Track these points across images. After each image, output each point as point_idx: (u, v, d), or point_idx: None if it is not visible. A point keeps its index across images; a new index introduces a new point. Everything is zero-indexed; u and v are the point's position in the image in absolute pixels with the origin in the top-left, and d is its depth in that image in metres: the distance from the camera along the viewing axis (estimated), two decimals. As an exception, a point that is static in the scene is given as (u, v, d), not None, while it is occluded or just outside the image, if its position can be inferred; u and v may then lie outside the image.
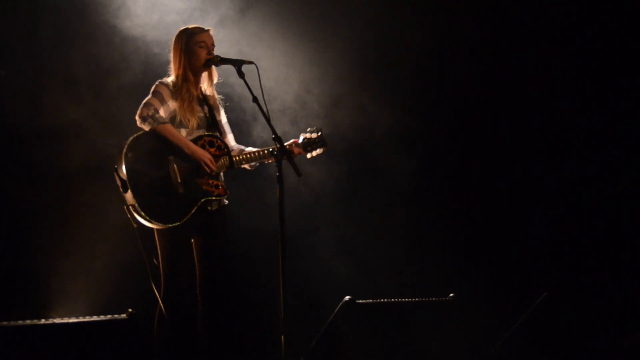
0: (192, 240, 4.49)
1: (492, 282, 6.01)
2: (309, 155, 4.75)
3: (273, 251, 4.26)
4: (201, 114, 4.53)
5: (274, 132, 4.17)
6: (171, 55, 4.56)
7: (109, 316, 3.49)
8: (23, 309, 5.07)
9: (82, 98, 5.57)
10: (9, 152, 5.41)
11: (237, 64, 4.32)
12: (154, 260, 4.41)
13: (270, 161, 4.59)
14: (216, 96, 4.70)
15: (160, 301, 4.31)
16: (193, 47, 4.49)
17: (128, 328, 3.47)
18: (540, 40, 6.19)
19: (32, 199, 5.43)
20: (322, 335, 4.33)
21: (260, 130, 5.82)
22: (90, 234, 5.53)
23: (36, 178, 5.46)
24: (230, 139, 4.75)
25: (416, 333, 4.50)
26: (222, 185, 4.48)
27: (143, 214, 4.22)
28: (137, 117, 4.39)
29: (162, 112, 4.43)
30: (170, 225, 4.29)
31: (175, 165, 4.37)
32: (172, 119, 4.47)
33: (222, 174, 4.56)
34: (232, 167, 4.51)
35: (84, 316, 3.48)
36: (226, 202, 4.57)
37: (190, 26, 4.58)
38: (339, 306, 4.23)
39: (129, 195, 4.24)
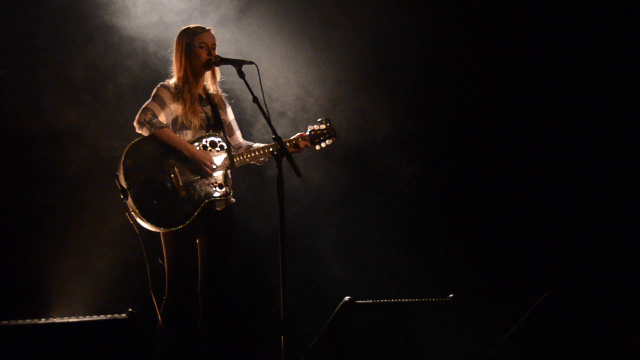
0: (198, 240, 4.50)
1: (492, 282, 6.02)
2: (317, 147, 4.73)
3: (273, 251, 4.26)
4: (204, 114, 4.53)
5: (274, 132, 4.17)
6: (173, 57, 4.56)
7: (109, 316, 3.49)
8: (24, 309, 5.09)
9: (82, 100, 5.57)
10: (10, 154, 5.41)
11: (238, 64, 4.32)
12: (159, 260, 4.43)
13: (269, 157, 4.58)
14: (220, 94, 4.70)
15: (155, 303, 4.32)
16: (193, 48, 4.49)
17: (128, 328, 3.47)
18: (541, 43, 6.20)
19: (33, 201, 5.44)
20: (322, 336, 4.33)
21: (259, 131, 5.82)
22: (91, 235, 5.53)
23: (37, 180, 5.46)
24: (238, 136, 4.74)
25: (416, 333, 4.49)
26: (225, 185, 4.48)
27: (145, 219, 4.23)
28: (135, 124, 4.41)
29: (162, 116, 4.44)
30: (173, 228, 4.30)
31: (176, 169, 4.37)
32: (174, 121, 4.48)
33: (228, 173, 4.56)
34: (233, 166, 4.51)
35: (84, 316, 3.47)
36: (233, 200, 4.57)
37: (191, 26, 4.57)
38: (338, 306, 4.23)
39: (129, 202, 4.25)
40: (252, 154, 4.53)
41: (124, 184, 4.25)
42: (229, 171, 4.56)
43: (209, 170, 4.39)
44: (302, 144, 4.64)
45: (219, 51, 4.55)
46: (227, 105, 4.73)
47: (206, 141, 4.48)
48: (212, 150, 4.48)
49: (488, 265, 6.13)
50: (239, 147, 4.72)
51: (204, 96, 4.59)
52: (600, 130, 6.15)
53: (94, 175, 5.49)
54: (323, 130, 4.72)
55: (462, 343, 4.60)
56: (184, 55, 4.50)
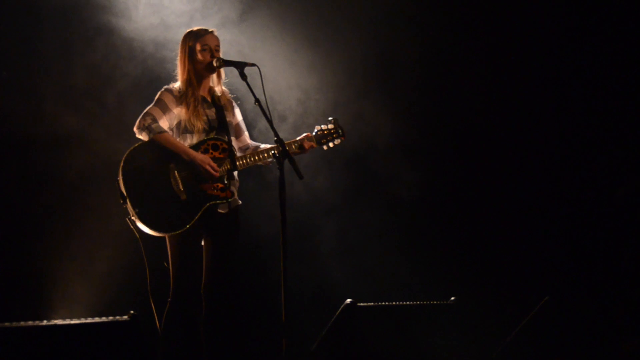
0: (203, 242, 4.51)
1: (493, 285, 6.01)
2: (325, 147, 4.69)
3: (275, 254, 4.26)
4: (207, 117, 4.51)
5: (276, 134, 4.16)
6: (177, 60, 4.57)
7: (110, 318, 3.50)
8: (27, 311, 5.09)
9: (84, 103, 5.57)
10: (12, 156, 5.42)
11: (240, 66, 4.31)
12: (165, 263, 4.44)
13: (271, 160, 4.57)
14: (228, 96, 4.69)
15: (153, 307, 4.33)
16: (196, 51, 4.49)
17: (130, 330, 3.48)
18: (544, 49, 6.20)
19: (36, 203, 5.45)
20: (323, 338, 4.33)
21: (261, 132, 5.82)
22: (93, 238, 5.54)
23: (39, 182, 5.47)
24: (246, 138, 4.73)
25: (417, 336, 4.49)
26: (227, 188, 4.48)
27: (144, 224, 4.25)
28: (135, 129, 4.42)
29: (163, 121, 4.45)
30: (174, 232, 4.31)
31: (176, 173, 4.37)
32: (178, 125, 4.48)
33: (235, 175, 4.55)
34: (235, 169, 4.50)
35: (86, 318, 3.48)
36: (239, 202, 4.57)
37: (194, 28, 4.58)
38: (340, 309, 4.23)
39: (128, 207, 4.26)
40: (254, 157, 4.52)
41: (123, 189, 4.27)
42: (235, 173, 4.56)
43: (209, 173, 4.39)
44: (307, 144, 4.61)
45: (222, 53, 4.55)
46: (235, 106, 4.71)
47: (208, 144, 4.47)
48: (214, 153, 4.47)
49: (490, 268, 6.13)
50: (247, 148, 4.71)
51: (208, 99, 4.59)
52: (600, 134, 6.15)
53: (97, 178, 5.49)
54: (331, 130, 4.69)
55: (464, 346, 4.60)
56: (187, 58, 4.51)
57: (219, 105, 4.59)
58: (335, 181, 6.20)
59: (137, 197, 4.27)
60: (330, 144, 4.69)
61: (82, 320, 3.43)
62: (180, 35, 4.61)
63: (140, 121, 4.41)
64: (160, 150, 4.37)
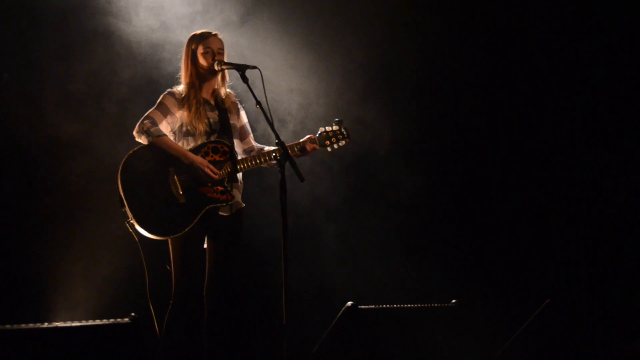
0: (205, 245, 4.51)
1: (495, 288, 6.01)
2: (329, 149, 4.66)
3: (276, 257, 4.26)
4: (209, 120, 4.51)
5: (277, 136, 4.16)
6: (181, 63, 4.57)
7: (112, 320, 3.50)
8: (28, 313, 5.09)
9: (85, 105, 5.58)
10: (13, 159, 5.42)
11: (240, 68, 4.31)
12: (167, 266, 4.44)
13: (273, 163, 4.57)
14: (233, 99, 4.69)
15: (152, 310, 4.33)
16: (198, 54, 4.50)
17: (131, 332, 3.48)
18: (544, 52, 6.20)
19: (37, 207, 5.45)
20: (324, 341, 4.32)
21: (262, 135, 5.82)
22: (94, 241, 5.54)
23: (41, 186, 5.48)
24: (251, 140, 4.72)
25: (418, 339, 4.49)
26: (228, 191, 4.48)
27: (143, 227, 4.25)
28: (134, 132, 4.43)
29: (163, 124, 4.46)
30: (172, 236, 4.32)
31: (175, 176, 4.38)
32: (180, 128, 4.48)
33: (238, 177, 4.55)
34: (236, 171, 4.50)
35: (87, 320, 3.48)
36: (242, 205, 4.57)
37: (198, 32, 4.58)
38: (341, 312, 4.23)
39: (127, 210, 4.27)
40: (256, 160, 4.51)
41: (121, 193, 4.28)
42: (239, 176, 4.55)
43: (208, 176, 4.39)
44: (309, 146, 4.59)
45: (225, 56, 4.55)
46: (240, 109, 4.71)
47: (209, 147, 4.48)
48: (215, 156, 4.47)
49: (491, 271, 6.13)
50: (252, 150, 4.71)
51: (212, 101, 4.59)
52: (601, 136, 6.15)
53: (98, 181, 5.50)
54: (335, 131, 4.65)
55: (465, 349, 4.60)
56: (190, 61, 4.52)
57: (223, 108, 4.59)
58: (335, 184, 6.20)
59: (135, 200, 4.28)
60: (335, 146, 4.66)
61: (84, 323, 3.43)
62: (181, 38, 4.63)
63: (139, 125, 4.41)
64: (159, 153, 4.38)
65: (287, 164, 4.11)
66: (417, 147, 6.34)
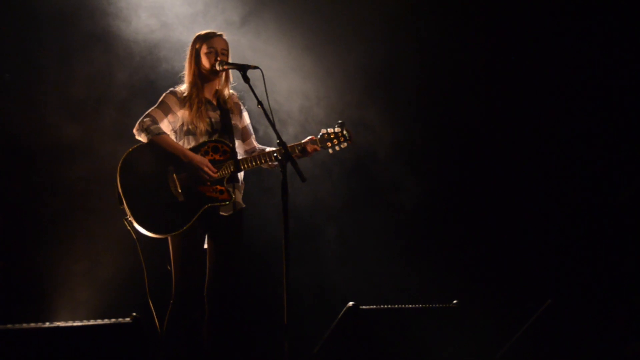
0: (206, 245, 4.51)
1: (496, 289, 6.01)
2: (330, 151, 4.64)
3: (277, 257, 4.26)
4: (211, 119, 4.52)
5: (278, 136, 4.17)
6: (186, 62, 4.58)
7: (113, 320, 3.50)
8: (29, 313, 5.09)
9: (86, 106, 5.59)
10: (15, 161, 5.43)
11: (242, 68, 4.33)
12: (167, 266, 4.45)
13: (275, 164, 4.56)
14: (235, 99, 4.69)
15: (152, 309, 4.33)
16: (202, 54, 4.51)
17: (132, 332, 3.48)
18: (545, 53, 6.20)
19: (39, 208, 5.46)
20: (325, 341, 4.32)
21: (265, 134, 5.82)
22: (95, 240, 5.55)
23: (42, 187, 5.48)
24: (253, 141, 4.73)
25: (420, 340, 4.49)
26: (227, 191, 4.48)
27: (141, 225, 4.26)
28: (134, 130, 4.44)
29: (164, 123, 4.46)
30: (170, 234, 4.32)
31: (174, 175, 4.38)
32: (181, 127, 4.49)
33: (239, 177, 4.55)
34: (238, 171, 4.50)
35: (88, 320, 3.48)
36: (243, 205, 4.57)
37: (203, 32, 4.59)
38: (342, 312, 4.23)
39: (125, 208, 4.27)
40: (257, 160, 4.52)
41: (120, 191, 4.28)
42: (241, 176, 4.56)
43: (207, 175, 4.39)
44: (310, 147, 4.58)
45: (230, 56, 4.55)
46: (243, 110, 4.72)
47: (209, 147, 4.48)
48: (215, 155, 4.48)
49: (492, 272, 6.12)
50: (253, 151, 4.71)
51: (214, 101, 4.59)
52: (601, 138, 6.15)
53: (99, 182, 5.50)
54: (337, 133, 4.63)
55: (466, 349, 4.60)
56: (193, 61, 4.54)
57: (225, 109, 4.59)
58: (336, 186, 6.20)
59: (134, 198, 4.28)
60: (337, 148, 4.64)
61: (85, 323, 3.43)
62: (181, 38, 4.63)
63: (139, 122, 4.42)
64: (158, 151, 4.38)
65: (289, 164, 4.11)
66: (417, 148, 6.35)
